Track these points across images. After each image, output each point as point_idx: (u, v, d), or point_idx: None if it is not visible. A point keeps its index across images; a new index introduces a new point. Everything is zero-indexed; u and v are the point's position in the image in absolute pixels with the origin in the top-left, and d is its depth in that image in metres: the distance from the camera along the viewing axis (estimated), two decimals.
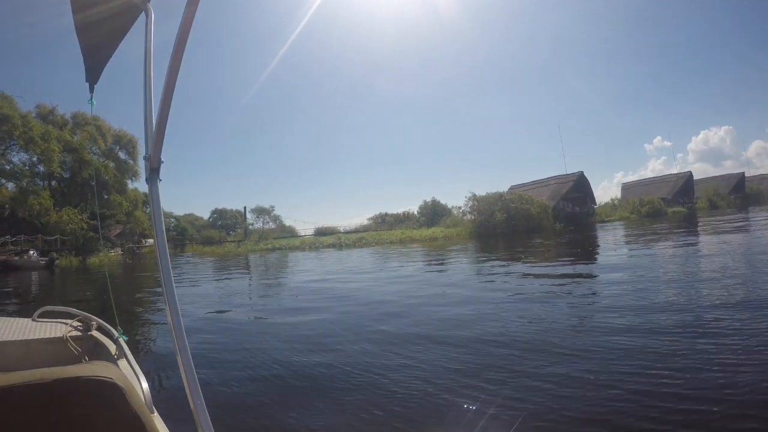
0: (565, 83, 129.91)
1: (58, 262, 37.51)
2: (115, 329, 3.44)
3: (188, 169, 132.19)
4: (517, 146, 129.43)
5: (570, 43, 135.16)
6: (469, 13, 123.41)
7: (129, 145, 61.57)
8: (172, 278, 1.70)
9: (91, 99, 3.50)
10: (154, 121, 1.84)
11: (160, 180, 1.89)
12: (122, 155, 61.96)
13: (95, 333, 3.54)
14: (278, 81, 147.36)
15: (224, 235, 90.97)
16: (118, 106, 57.66)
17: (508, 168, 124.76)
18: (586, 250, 23.03)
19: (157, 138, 1.77)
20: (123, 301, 14.96)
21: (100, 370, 1.22)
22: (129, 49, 2.89)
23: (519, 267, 17.76)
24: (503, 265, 18.73)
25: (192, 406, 1.45)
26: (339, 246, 52.77)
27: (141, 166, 45.79)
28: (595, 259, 18.72)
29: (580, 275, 13.81)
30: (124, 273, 31.52)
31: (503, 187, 67.42)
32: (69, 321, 3.72)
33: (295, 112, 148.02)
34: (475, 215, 58.82)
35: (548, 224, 55.51)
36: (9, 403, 1.10)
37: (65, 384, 1.15)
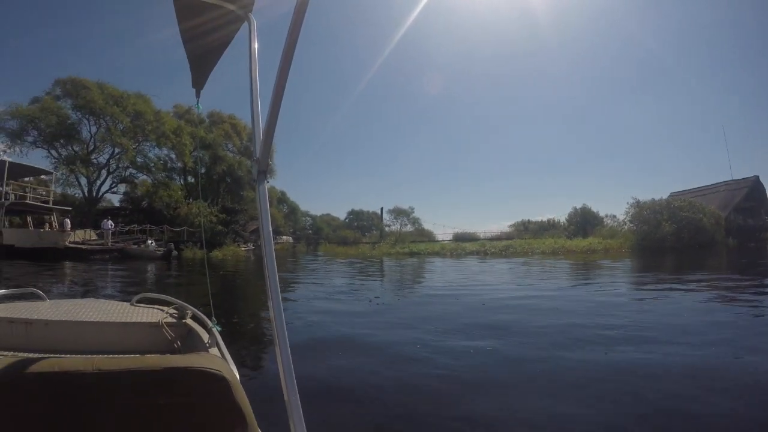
0: (732, 76, 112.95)
1: (176, 253, 35.07)
2: (210, 319, 3.59)
3: (327, 170, 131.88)
4: (668, 150, 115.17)
5: (735, 30, 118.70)
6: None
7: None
8: (276, 272, 1.61)
9: (198, 103, 3.71)
10: (261, 126, 1.86)
11: (268, 182, 1.84)
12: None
13: (189, 321, 3.82)
14: (413, 85, 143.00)
15: (359, 236, 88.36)
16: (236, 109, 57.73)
17: (659, 173, 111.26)
18: None
19: (265, 142, 1.74)
20: (229, 295, 14.83)
21: (209, 362, 1.22)
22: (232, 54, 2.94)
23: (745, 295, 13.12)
24: (723, 294, 13.76)
25: (286, 398, 1.38)
26: (483, 254, 46.72)
27: (276, 163, 49.40)
28: None
29: None
30: (244, 268, 29.35)
31: (657, 195, 56.73)
32: (165, 308, 4.09)
33: (433, 116, 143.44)
34: (637, 225, 49.62)
35: (720, 239, 46.08)
36: (119, 385, 1.13)
37: (175, 373, 1.17)
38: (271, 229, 1.73)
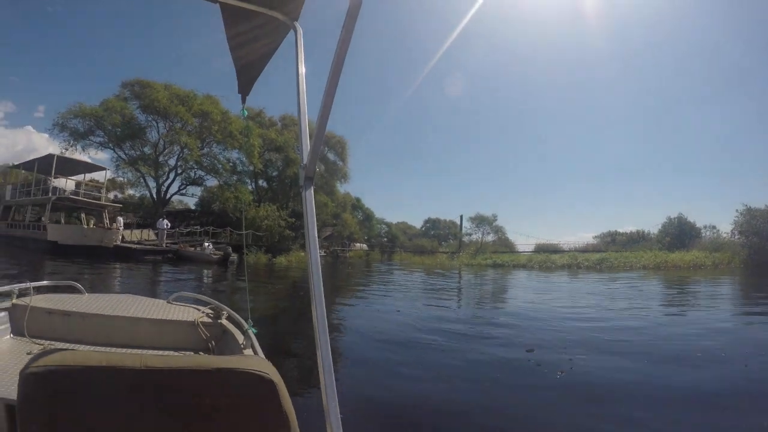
0: None
1: (234, 257, 32.28)
2: (246, 321, 3.69)
3: (404, 177, 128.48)
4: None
5: None
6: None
7: (338, 146, 59.98)
8: (320, 278, 1.65)
9: (243, 109, 3.85)
10: (303, 132, 1.97)
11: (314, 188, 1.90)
12: (331, 156, 59.92)
13: (225, 322, 4.02)
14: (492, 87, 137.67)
15: (436, 245, 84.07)
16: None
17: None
18: None
19: (313, 149, 1.78)
20: (280, 302, 14.90)
21: (257, 363, 1.21)
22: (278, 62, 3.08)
23: None
24: None
25: (325, 403, 1.43)
26: (575, 268, 41.76)
27: (350, 167, 55.77)
28: None
29: None
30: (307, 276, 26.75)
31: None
32: (201, 308, 4.30)
33: (512, 121, 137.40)
34: (748, 236, 41.44)
35: None
36: (167, 383, 1.13)
37: (223, 373, 1.16)
38: (316, 235, 1.74)
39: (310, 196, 1.79)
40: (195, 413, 1.16)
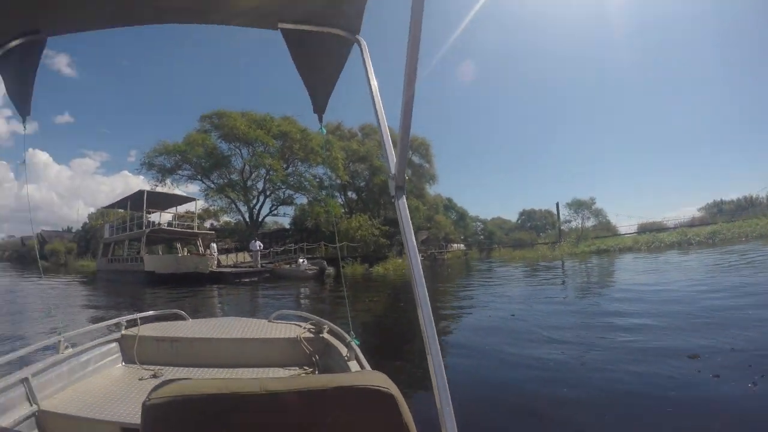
0: None
1: (329, 270, 31.53)
2: (348, 333, 3.79)
3: (494, 172, 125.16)
4: None
5: None
6: None
7: (422, 148, 58.84)
8: (424, 283, 1.61)
9: (321, 127, 3.82)
10: (386, 142, 1.96)
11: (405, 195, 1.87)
12: (416, 159, 58.86)
13: (327, 336, 4.15)
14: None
15: (534, 237, 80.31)
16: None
17: None
18: None
19: (400, 158, 1.78)
20: (382, 312, 14.39)
21: (376, 378, 1.21)
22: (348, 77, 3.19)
23: None
24: None
25: (439, 407, 1.41)
26: (685, 244, 38.32)
27: (436, 168, 56.40)
28: None
29: None
30: (409, 282, 25.08)
31: None
32: (302, 324, 4.49)
33: (594, 97, 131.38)
34: None
35: None
36: (289, 405, 1.15)
37: (344, 391, 1.17)
38: (415, 242, 1.73)
39: (403, 204, 1.79)
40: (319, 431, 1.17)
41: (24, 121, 3.15)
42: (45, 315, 14.43)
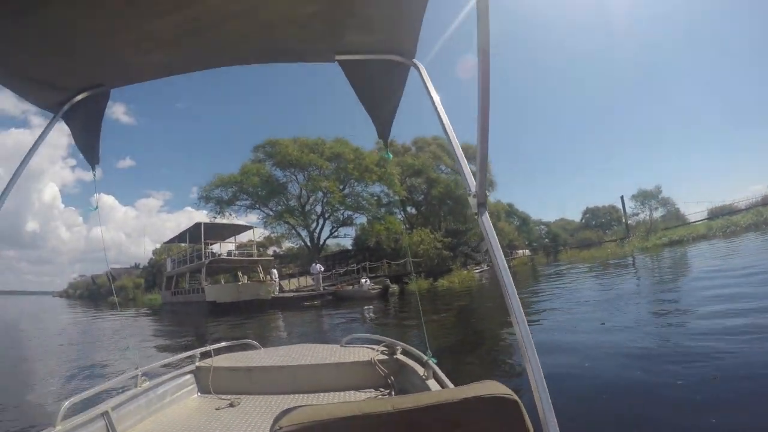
0: None
1: (393, 288, 30.89)
2: (425, 353, 3.58)
3: (556, 173, 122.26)
4: None
5: None
6: None
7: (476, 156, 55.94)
8: (516, 295, 1.64)
9: (387, 152, 4.14)
10: (461, 161, 1.98)
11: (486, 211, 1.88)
12: (473, 168, 55.75)
13: (400, 356, 4.07)
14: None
15: (601, 235, 77.09)
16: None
17: None
18: None
19: (480, 176, 1.81)
20: (449, 327, 13.71)
21: (496, 388, 1.22)
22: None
23: None
24: None
25: (542, 416, 1.39)
26: (763, 225, 36.02)
27: (495, 174, 43.17)
28: None
29: None
30: (477, 295, 26.03)
31: None
32: (375, 346, 4.42)
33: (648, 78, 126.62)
34: None
35: None
36: (421, 422, 1.15)
37: (471, 402, 1.18)
38: (503, 258, 1.71)
39: (486, 221, 1.81)
40: None
41: (93, 170, 3.32)
42: (122, 349, 14.97)
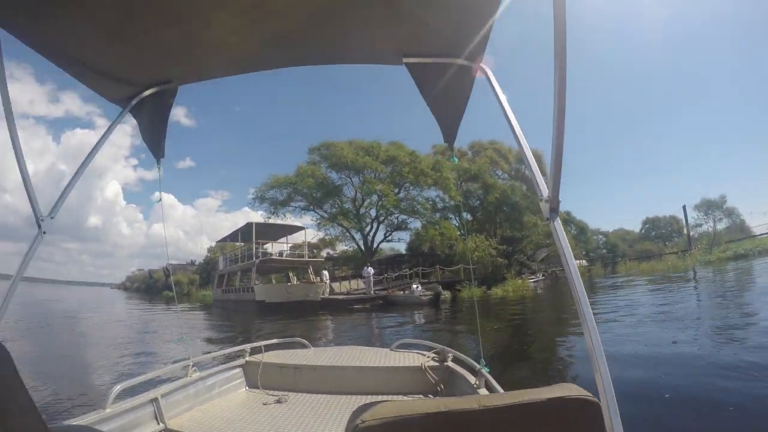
0: None
1: (445, 296, 30.11)
2: (478, 361, 3.53)
3: (614, 182, 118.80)
4: None
5: None
6: None
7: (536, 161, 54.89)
8: (587, 299, 1.63)
9: (453, 156, 4.18)
10: (532, 166, 1.93)
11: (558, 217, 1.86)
12: (529, 174, 54.62)
13: (451, 364, 3.98)
14: None
15: (661, 246, 73.84)
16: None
17: None
18: None
19: (554, 181, 1.77)
20: (502, 337, 13.14)
21: (577, 390, 1.19)
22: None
23: None
24: None
25: (608, 425, 1.40)
26: None
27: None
28: None
29: None
30: (530, 306, 25.09)
31: None
32: (425, 352, 4.36)
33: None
34: None
35: None
36: (504, 422, 1.13)
37: (553, 403, 1.15)
38: (575, 264, 1.71)
39: (559, 227, 1.78)
40: None
41: (159, 164, 3.50)
42: (175, 340, 15.39)
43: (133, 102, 2.85)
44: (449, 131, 3.41)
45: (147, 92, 2.84)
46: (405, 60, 2.68)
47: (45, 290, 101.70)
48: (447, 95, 2.92)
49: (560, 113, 1.57)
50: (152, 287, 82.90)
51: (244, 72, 2.88)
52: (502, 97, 2.23)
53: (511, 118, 2.12)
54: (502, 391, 2.94)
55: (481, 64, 2.52)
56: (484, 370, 3.40)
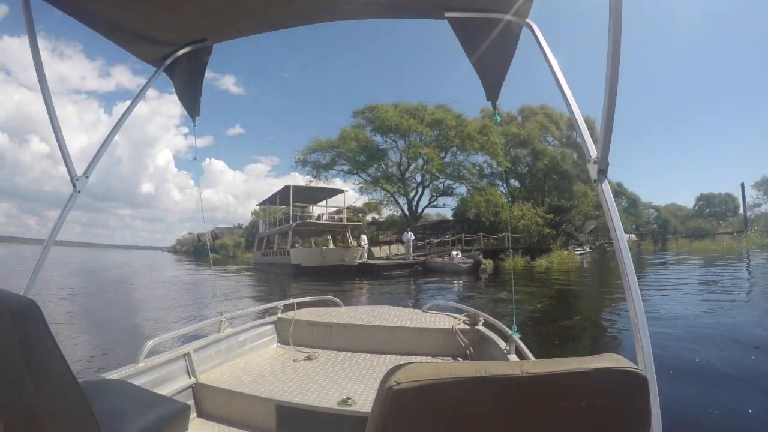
0: None
1: (485, 265, 28.78)
2: (510, 327, 3.45)
3: (670, 155, 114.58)
4: None
5: None
6: None
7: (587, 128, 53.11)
8: (634, 270, 1.59)
9: (496, 115, 4.21)
10: (581, 126, 1.88)
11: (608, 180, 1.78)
12: (580, 140, 53.07)
13: (482, 328, 3.94)
14: None
15: (715, 225, 70.71)
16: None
17: None
18: None
19: (604, 141, 1.70)
20: (540, 307, 12.73)
21: (621, 361, 1.13)
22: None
23: None
24: None
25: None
26: None
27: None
28: None
29: None
30: (574, 277, 24.58)
31: None
32: (456, 315, 4.34)
33: None
34: None
35: None
36: (546, 388, 1.09)
37: (600, 373, 1.10)
38: (622, 229, 1.66)
39: (606, 189, 1.72)
40: (574, 416, 1.09)
41: (194, 122, 3.46)
42: (210, 297, 15.83)
43: (167, 62, 2.85)
44: (492, 90, 3.22)
45: (181, 51, 2.84)
46: (447, 14, 2.58)
47: (99, 254, 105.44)
48: (491, 53, 2.75)
49: (614, 73, 1.50)
50: (200, 250, 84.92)
51: (281, 28, 2.82)
52: (551, 57, 2.10)
53: (559, 78, 2.01)
54: (533, 358, 2.89)
55: (527, 20, 2.37)
56: (516, 336, 3.29)
